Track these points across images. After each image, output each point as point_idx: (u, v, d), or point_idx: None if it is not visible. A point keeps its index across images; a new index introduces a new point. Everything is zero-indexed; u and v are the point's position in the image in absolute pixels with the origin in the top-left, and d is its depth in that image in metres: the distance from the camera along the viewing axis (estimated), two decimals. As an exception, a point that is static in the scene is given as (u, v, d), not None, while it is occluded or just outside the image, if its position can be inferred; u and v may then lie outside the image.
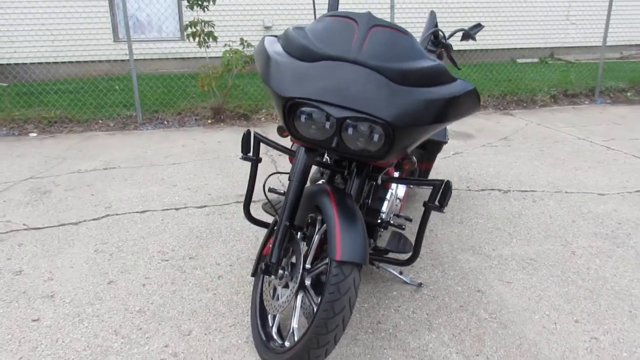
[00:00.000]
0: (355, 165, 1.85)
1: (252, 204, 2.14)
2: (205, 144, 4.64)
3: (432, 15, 2.27)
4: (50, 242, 2.70)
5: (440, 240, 2.66)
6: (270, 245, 1.72)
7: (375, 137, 1.51)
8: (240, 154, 1.98)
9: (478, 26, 2.34)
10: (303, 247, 1.73)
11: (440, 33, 2.31)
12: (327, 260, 1.65)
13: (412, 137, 1.54)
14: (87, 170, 3.89)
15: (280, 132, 2.01)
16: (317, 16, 1.79)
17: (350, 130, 1.51)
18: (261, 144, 2.00)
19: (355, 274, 1.49)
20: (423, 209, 1.88)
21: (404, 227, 2.04)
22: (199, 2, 5.00)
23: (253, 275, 2.00)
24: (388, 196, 2.16)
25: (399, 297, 2.16)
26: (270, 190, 2.19)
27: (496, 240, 2.67)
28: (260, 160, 2.03)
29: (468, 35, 2.31)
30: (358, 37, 1.51)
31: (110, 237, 2.75)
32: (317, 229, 1.76)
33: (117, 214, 3.06)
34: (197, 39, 5.19)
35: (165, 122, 5.43)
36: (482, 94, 6.20)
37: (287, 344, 1.68)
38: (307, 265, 1.69)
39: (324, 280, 1.73)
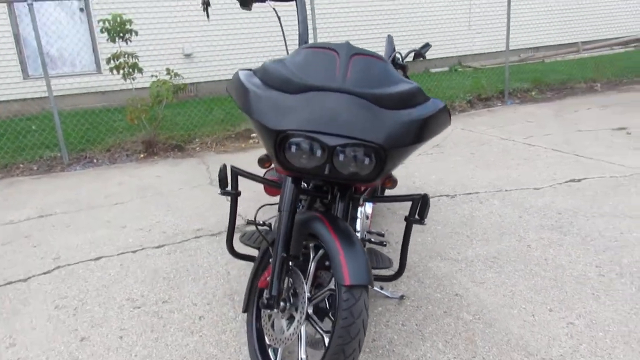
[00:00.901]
0: (337, 189, 1.89)
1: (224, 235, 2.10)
2: (143, 179, 4.47)
3: (390, 39, 2.39)
4: (1, 304, 2.48)
5: (409, 251, 2.75)
6: (268, 278, 1.71)
7: (367, 160, 1.56)
8: (219, 189, 1.94)
9: (427, 45, 2.50)
10: (300, 276, 1.73)
11: (398, 55, 2.43)
12: (330, 286, 1.68)
13: (400, 157, 1.61)
14: (20, 220, 3.60)
15: (262, 163, 2.00)
16: (289, 48, 1.82)
17: (341, 157, 1.55)
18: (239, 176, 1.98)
19: (365, 296, 1.53)
20: (404, 223, 1.95)
21: (385, 243, 2.10)
22: (121, 35, 4.84)
23: (245, 310, 1.97)
24: (359, 214, 2.22)
25: (385, 311, 2.21)
26: (249, 222, 2.17)
27: (458, 244, 2.81)
28: (239, 193, 2.00)
29: (419, 54, 2.46)
30: (341, 67, 1.56)
31: (68, 291, 2.57)
32: (312, 257, 1.77)
33: (68, 264, 2.87)
34: (121, 71, 5.01)
35: (95, 161, 5.16)
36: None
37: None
38: (307, 294, 1.69)
39: (323, 306, 1.75)
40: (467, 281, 2.42)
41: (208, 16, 1.87)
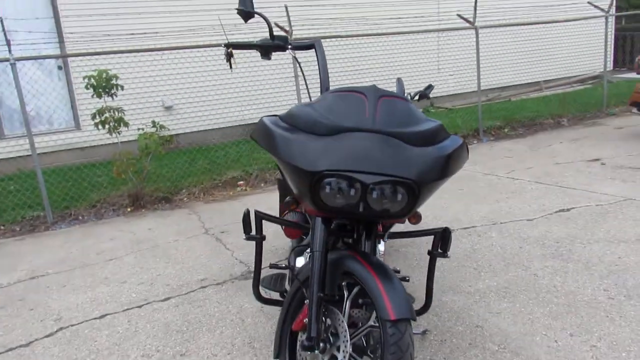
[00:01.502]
0: (362, 227, 1.93)
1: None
2: (135, 233, 4.39)
3: (400, 81, 2.50)
4: (7, 372, 2.36)
5: (421, 287, 2.78)
6: (305, 320, 1.71)
7: (399, 196, 1.61)
8: (244, 235, 1.95)
9: (430, 87, 2.63)
10: (338, 315, 1.73)
11: (408, 96, 2.54)
12: (370, 323, 1.69)
13: (429, 192, 1.67)
14: (11, 284, 3.47)
15: (288, 206, 2.02)
16: (311, 93, 1.89)
17: (375, 194, 1.60)
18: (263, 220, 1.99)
19: (409, 330, 1.54)
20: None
21: (407, 278, 2.13)
22: (107, 90, 4.86)
23: (277, 356, 1.94)
24: (377, 252, 2.25)
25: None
26: (272, 266, 2.17)
27: (467, 277, 2.86)
28: (264, 237, 2.01)
29: (424, 94, 2.59)
30: (370, 108, 1.63)
31: (77, 352, 2.47)
32: (346, 296, 1.78)
33: (72, 325, 2.77)
34: (107, 126, 5.00)
35: (80, 218, 5.05)
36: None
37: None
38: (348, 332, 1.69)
39: (360, 344, 1.75)
40: (484, 312, 2.45)
41: (231, 66, 1.93)
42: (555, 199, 4.08)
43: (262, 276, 2.37)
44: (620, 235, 3.21)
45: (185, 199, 5.48)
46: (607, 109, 8.25)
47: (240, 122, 7.92)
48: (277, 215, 2.96)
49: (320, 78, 1.93)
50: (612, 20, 10.37)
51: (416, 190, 1.59)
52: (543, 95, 9.87)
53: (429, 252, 1.98)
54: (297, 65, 2.09)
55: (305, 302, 1.76)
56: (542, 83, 10.24)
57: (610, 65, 10.36)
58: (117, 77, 4.93)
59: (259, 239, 1.99)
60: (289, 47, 2.00)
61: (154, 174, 5.98)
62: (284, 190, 2.82)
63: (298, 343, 1.82)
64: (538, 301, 2.50)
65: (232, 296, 2.92)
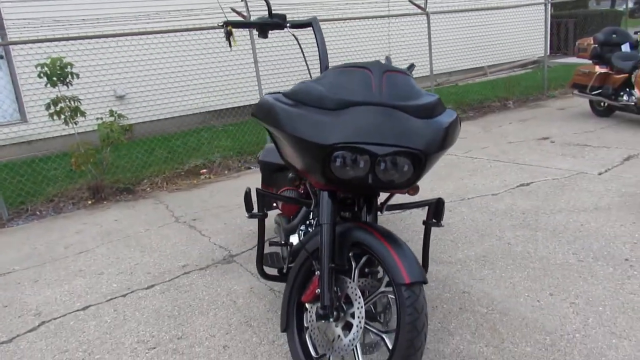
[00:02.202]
0: (363, 200, 2.00)
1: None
2: (101, 225, 4.26)
3: (389, 60, 2.56)
4: (-6, 368, 2.27)
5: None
6: (318, 291, 1.76)
7: (406, 167, 1.69)
8: (246, 213, 1.97)
9: (412, 66, 2.71)
10: (349, 283, 1.79)
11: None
12: (382, 289, 1.76)
13: (432, 163, 1.76)
14: (-25, 282, 3.29)
15: (292, 182, 2.05)
16: (312, 72, 1.92)
17: (384, 165, 1.67)
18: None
19: (423, 292, 1.63)
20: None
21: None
22: (62, 79, 4.65)
23: (285, 330, 1.98)
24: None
25: (405, 316, 2.31)
26: (272, 243, 2.20)
27: (446, 248, 3.00)
28: (266, 215, 2.04)
29: (406, 74, 2.66)
30: (376, 82, 1.69)
31: (66, 344, 2.41)
32: (354, 265, 1.84)
33: (54, 318, 2.68)
34: (62, 116, 4.79)
35: (38, 213, 4.82)
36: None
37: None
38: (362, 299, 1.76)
39: (367, 309, 1.81)
40: (468, 279, 2.59)
41: (230, 45, 1.93)
42: (515, 175, 4.32)
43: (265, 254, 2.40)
44: (580, 205, 3.46)
45: (148, 189, 5.35)
46: (548, 92, 8.72)
47: (199, 109, 7.77)
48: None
49: (319, 56, 1.97)
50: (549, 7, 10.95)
51: (423, 160, 1.68)
52: (487, 79, 10.30)
53: (424, 222, 2.08)
54: (298, 44, 2.11)
55: (316, 273, 1.81)
56: (486, 68, 10.68)
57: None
58: (72, 65, 4.72)
59: (262, 217, 2.02)
60: (287, 25, 2.02)
61: (112, 165, 5.79)
62: (267, 170, 2.84)
63: (307, 314, 1.86)
64: (515, 266, 2.68)
65: (218, 280, 2.92)
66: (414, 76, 2.76)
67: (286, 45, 7.56)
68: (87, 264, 3.40)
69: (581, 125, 6.04)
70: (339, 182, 1.71)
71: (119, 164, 5.82)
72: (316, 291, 1.78)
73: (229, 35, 1.91)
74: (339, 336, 1.75)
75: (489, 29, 10.35)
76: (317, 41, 1.96)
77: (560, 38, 13.06)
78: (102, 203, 4.99)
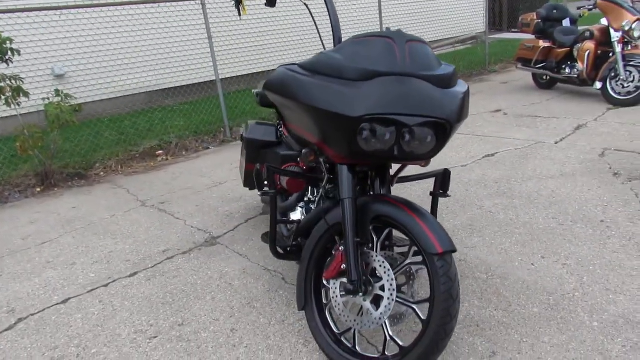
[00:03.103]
0: (375, 173, 1.98)
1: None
2: (59, 213, 3.98)
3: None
4: (-23, 372, 2.08)
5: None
6: (344, 266, 1.73)
7: (429, 138, 1.68)
8: (258, 192, 1.90)
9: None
10: (376, 257, 1.77)
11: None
12: (409, 260, 1.76)
13: (454, 133, 1.76)
14: None
15: (307, 157, 1.98)
16: (325, 44, 1.85)
17: (410, 136, 1.65)
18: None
19: (454, 261, 1.65)
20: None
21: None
22: (1, 56, 4.24)
23: (303, 309, 1.94)
24: None
25: (410, 286, 2.34)
26: (279, 221, 2.14)
27: (431, 219, 3.05)
28: (279, 192, 1.97)
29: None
30: (400, 52, 1.66)
31: (54, 340, 2.24)
32: (376, 239, 1.83)
33: (32, 314, 2.49)
34: (2, 97, 4.39)
35: (-20, 203, 4.43)
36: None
37: (390, 352, 1.72)
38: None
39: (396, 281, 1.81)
40: (461, 247, 2.66)
41: (240, 13, 1.81)
42: (478, 147, 4.46)
43: (261, 233, 2.34)
44: (546, 172, 3.63)
45: (101, 173, 5.05)
46: (489, 67, 9.05)
47: (150, 88, 7.39)
48: (243, 173, 2.90)
49: (332, 26, 1.90)
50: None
51: (448, 130, 1.67)
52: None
53: (431, 193, 2.10)
54: (310, 13, 2.02)
55: (340, 249, 1.78)
56: (429, 44, 10.89)
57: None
58: (11, 40, 4.31)
59: (274, 194, 1.95)
60: (297, -7, 1.93)
61: (60, 150, 5.41)
62: (252, 148, 2.75)
63: (330, 291, 1.83)
64: (503, 233, 2.78)
65: (206, 263, 2.82)
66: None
67: (243, 20, 7.32)
68: (53, 254, 3.17)
69: (528, 98, 6.31)
70: (363, 154, 1.67)
71: (67, 148, 5.44)
72: (342, 267, 1.75)
73: (239, 2, 1.80)
74: (367, 310, 1.74)
75: (430, 4, 10.55)
76: (329, 12, 1.89)
77: (496, 14, 13.53)
78: (52, 190, 4.66)
